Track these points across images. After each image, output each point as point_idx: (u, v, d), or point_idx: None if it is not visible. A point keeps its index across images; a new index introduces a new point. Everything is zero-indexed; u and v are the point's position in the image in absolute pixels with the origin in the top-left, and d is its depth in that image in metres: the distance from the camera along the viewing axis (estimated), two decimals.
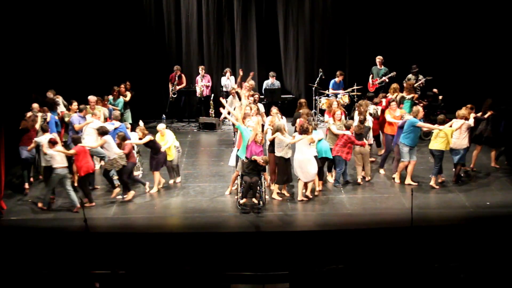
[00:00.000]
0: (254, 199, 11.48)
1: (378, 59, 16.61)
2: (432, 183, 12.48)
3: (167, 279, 9.30)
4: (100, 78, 16.53)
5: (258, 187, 11.46)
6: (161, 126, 12.60)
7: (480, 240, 10.09)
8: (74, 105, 13.59)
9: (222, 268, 9.47)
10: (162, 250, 10.13)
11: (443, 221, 10.98)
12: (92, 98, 13.75)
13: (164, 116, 17.34)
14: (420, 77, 16.11)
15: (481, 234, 10.32)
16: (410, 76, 16.13)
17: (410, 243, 9.81)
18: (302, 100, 14.34)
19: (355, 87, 16.94)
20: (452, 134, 12.22)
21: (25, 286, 9.20)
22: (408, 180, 12.53)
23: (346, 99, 16.70)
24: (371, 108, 13.99)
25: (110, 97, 14.93)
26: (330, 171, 12.92)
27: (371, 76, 16.68)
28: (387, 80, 16.34)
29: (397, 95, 14.48)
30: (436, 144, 12.32)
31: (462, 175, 12.82)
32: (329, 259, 9.49)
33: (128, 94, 15.49)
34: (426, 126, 12.73)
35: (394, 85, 14.81)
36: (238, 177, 11.66)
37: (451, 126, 12.27)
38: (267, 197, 11.77)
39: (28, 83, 15.02)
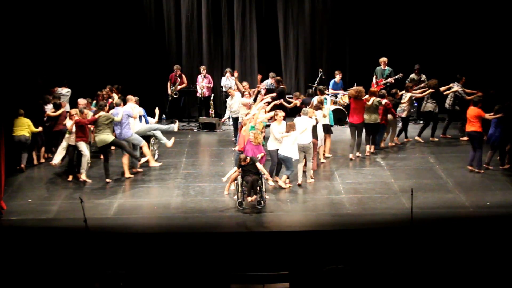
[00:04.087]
0: (252, 197, 11.46)
1: (382, 60, 16.60)
2: None
3: (167, 279, 9.31)
4: (100, 78, 16.53)
5: (258, 187, 11.47)
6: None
7: (480, 240, 10.08)
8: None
9: (221, 268, 9.47)
10: (162, 250, 10.13)
11: (443, 221, 10.98)
12: (82, 101, 13.83)
13: (164, 116, 17.35)
14: (423, 77, 16.15)
15: (481, 234, 10.31)
16: (412, 75, 16.15)
17: (410, 243, 9.80)
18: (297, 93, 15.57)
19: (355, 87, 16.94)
20: None
21: (25, 286, 9.21)
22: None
23: (346, 99, 16.72)
24: (456, 87, 14.94)
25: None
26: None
27: (374, 76, 16.65)
28: (392, 81, 16.35)
29: None
30: None
31: None
32: (329, 259, 9.48)
33: (115, 97, 15.29)
34: None
35: None
36: (238, 177, 11.65)
37: None
38: (267, 196, 11.78)
39: (28, 84, 15.03)
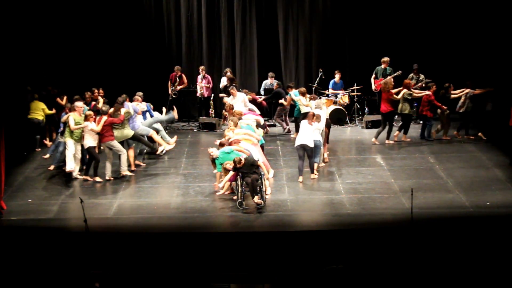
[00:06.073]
0: (255, 198, 11.43)
1: (384, 60, 16.58)
2: None
3: (167, 279, 9.31)
4: (100, 77, 16.56)
5: (258, 187, 11.45)
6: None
7: (480, 240, 10.08)
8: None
9: (221, 268, 9.47)
10: (162, 250, 10.13)
11: (443, 221, 10.98)
12: (80, 104, 13.60)
13: None
14: (422, 76, 16.15)
15: (481, 234, 10.31)
16: (411, 75, 16.17)
17: (410, 243, 9.80)
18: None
19: (355, 87, 16.96)
20: None
21: (25, 286, 9.21)
22: None
23: (346, 99, 16.74)
24: None
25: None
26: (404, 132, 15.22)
27: (373, 76, 16.66)
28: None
29: None
30: None
31: None
32: (329, 259, 9.49)
33: (100, 100, 15.12)
34: None
35: None
36: (238, 177, 11.61)
37: None
38: (267, 196, 11.78)
39: (28, 83, 15.06)
